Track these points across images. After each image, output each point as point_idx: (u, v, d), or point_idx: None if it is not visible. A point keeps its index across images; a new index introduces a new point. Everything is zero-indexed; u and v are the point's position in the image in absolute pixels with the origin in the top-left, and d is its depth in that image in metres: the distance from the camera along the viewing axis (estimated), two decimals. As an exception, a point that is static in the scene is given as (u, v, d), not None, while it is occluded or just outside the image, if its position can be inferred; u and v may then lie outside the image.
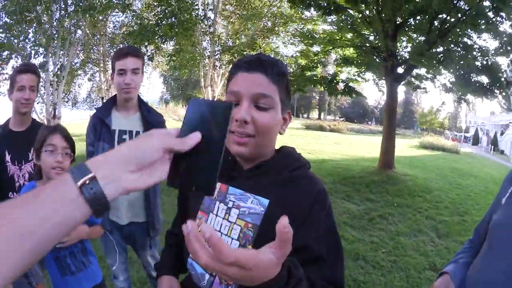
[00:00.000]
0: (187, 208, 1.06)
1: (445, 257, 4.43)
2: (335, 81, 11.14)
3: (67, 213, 0.47)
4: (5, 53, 8.69)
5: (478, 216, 6.62)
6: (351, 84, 11.69)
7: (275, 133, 0.94)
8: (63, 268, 1.63)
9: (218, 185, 0.94)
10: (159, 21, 8.80)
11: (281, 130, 0.97)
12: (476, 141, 44.26)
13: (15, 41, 8.41)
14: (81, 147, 2.26)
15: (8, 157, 2.09)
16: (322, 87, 11.26)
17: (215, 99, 14.90)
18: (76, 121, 27.14)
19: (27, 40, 8.67)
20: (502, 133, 41.71)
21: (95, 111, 2.21)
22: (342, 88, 11.36)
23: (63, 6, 8.20)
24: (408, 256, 4.32)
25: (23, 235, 0.43)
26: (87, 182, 0.47)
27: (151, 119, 2.13)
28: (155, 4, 9.83)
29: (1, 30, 8.17)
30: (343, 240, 4.08)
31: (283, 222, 0.53)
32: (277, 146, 1.02)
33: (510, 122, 42.17)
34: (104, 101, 2.40)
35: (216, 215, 0.93)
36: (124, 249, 2.31)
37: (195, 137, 0.54)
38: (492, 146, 35.56)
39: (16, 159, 2.10)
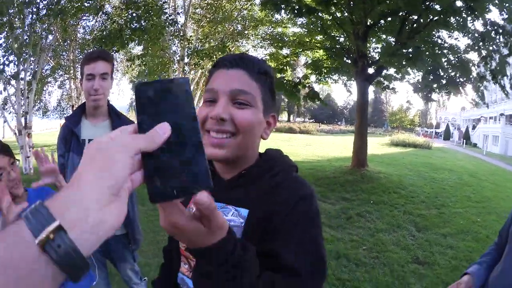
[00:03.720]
0: None
1: (427, 250, 4.53)
2: (302, 85, 11.05)
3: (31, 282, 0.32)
4: None
5: (455, 208, 6.80)
6: (320, 85, 11.68)
7: (257, 135, 0.85)
8: None
9: None
10: (127, 24, 8.68)
11: (264, 134, 0.88)
12: (447, 136, 45.77)
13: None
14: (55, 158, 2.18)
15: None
16: (284, 93, 11.08)
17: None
18: (47, 130, 26.35)
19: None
20: (473, 127, 43.30)
21: (64, 120, 2.12)
22: (306, 92, 11.26)
23: (35, 9, 7.93)
24: (390, 251, 4.39)
25: None
26: (51, 236, 0.33)
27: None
28: (123, 8, 9.73)
29: None
30: (325, 239, 4.09)
31: (198, 199, 0.47)
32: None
33: (482, 116, 43.64)
34: (74, 109, 2.31)
35: None
36: (104, 264, 2.22)
37: (165, 129, 0.44)
38: (464, 140, 36.83)
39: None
